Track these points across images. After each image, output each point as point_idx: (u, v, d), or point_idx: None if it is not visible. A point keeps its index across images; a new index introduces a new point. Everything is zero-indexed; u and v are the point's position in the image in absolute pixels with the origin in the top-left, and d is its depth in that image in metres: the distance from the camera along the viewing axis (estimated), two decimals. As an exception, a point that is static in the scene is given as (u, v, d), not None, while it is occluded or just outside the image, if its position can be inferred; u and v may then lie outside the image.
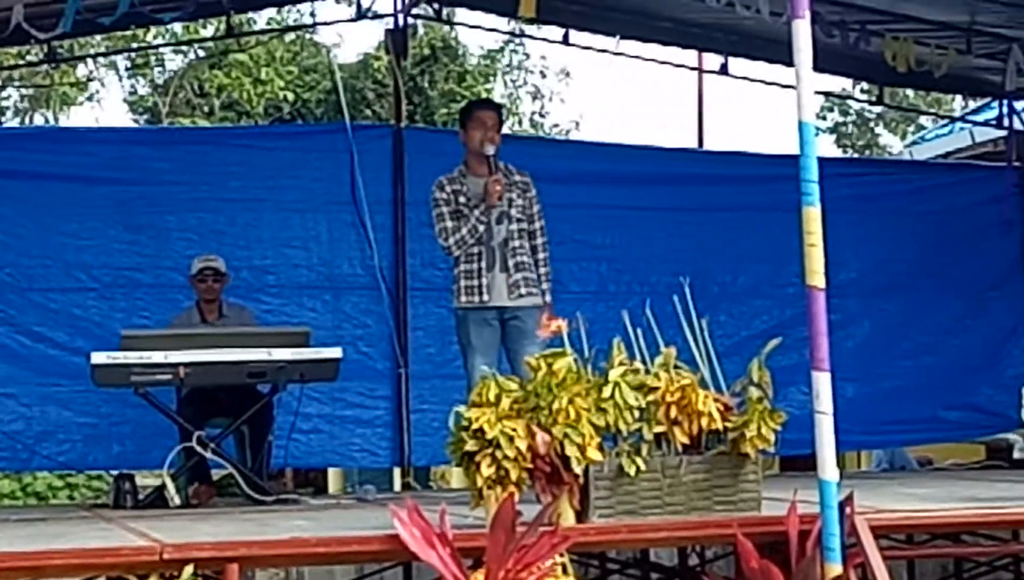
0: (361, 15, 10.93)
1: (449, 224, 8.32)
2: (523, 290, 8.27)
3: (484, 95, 23.16)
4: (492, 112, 8.68)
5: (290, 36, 22.29)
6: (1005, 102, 12.19)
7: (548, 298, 8.37)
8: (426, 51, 22.38)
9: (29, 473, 14.74)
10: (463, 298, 8.33)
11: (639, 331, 6.22)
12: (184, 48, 21.85)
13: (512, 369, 7.68)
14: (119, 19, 9.24)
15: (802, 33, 5.41)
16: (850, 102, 25.78)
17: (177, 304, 9.67)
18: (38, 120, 22.15)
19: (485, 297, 8.27)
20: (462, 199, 8.32)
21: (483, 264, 8.28)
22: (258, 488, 8.35)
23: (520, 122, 24.47)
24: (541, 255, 8.42)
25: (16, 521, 7.99)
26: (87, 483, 15.46)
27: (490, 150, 8.30)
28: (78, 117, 23.35)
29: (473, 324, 8.33)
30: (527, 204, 8.39)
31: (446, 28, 20.74)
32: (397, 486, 12.34)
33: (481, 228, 8.28)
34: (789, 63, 5.70)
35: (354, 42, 36.88)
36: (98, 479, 15.11)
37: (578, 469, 5.78)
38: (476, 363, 8.21)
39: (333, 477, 15.33)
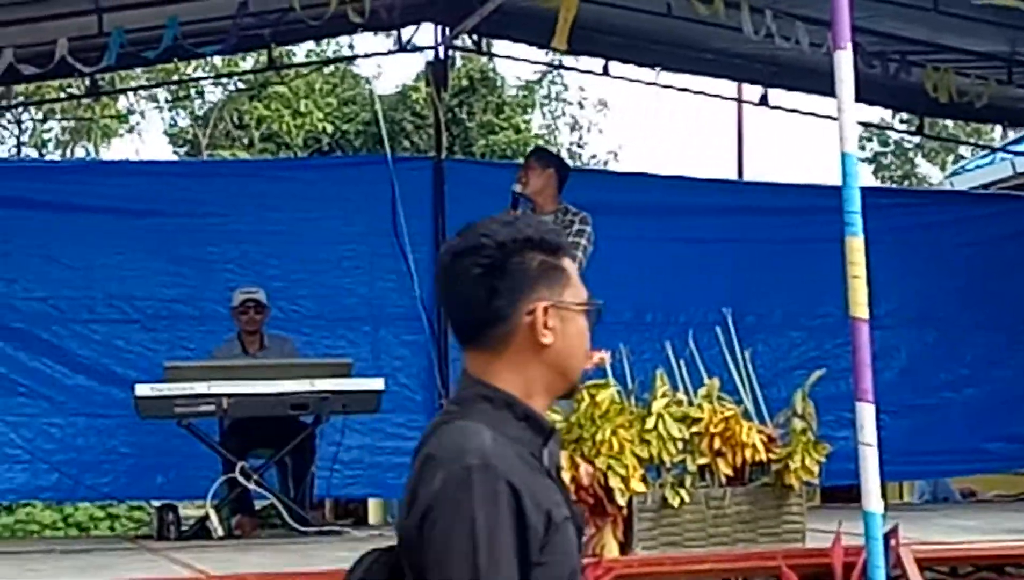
0: (401, 47, 10.99)
1: None
2: None
3: (522, 126, 23.25)
4: (529, 157, 9.22)
5: (329, 68, 22.40)
6: (1046, 132, 12.17)
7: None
8: (464, 82, 22.45)
9: (72, 504, 14.79)
10: None
11: (681, 362, 6.22)
12: (224, 80, 21.97)
13: None
14: (162, 52, 9.33)
15: (844, 64, 5.41)
16: (888, 132, 25.71)
17: (219, 336, 9.71)
18: (79, 152, 22.32)
19: None
20: None
21: None
22: (301, 519, 8.37)
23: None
24: None
25: (61, 552, 8.04)
26: (128, 514, 15.50)
27: (515, 187, 8.64)
28: (119, 149, 23.54)
29: None
30: None
31: (484, 59, 20.80)
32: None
33: None
34: (829, 93, 5.71)
35: (392, 74, 37.02)
36: (139, 510, 15.15)
37: (622, 500, 5.78)
38: None
39: (373, 508, 15.32)
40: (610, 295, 10.60)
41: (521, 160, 10.49)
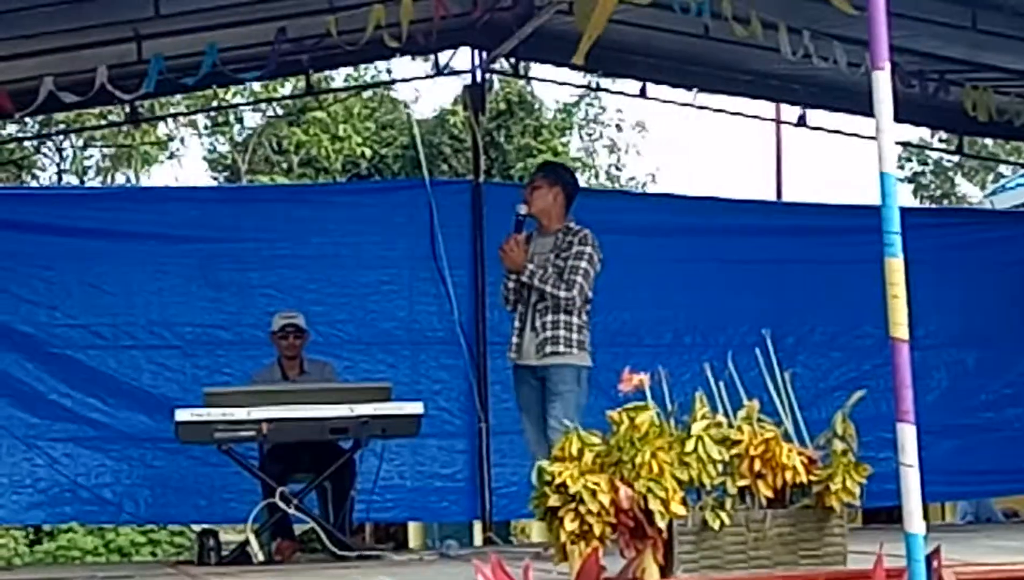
0: (439, 71, 11.03)
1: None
2: (548, 349, 8.12)
3: (560, 149, 23.25)
4: (535, 173, 8.86)
5: (367, 93, 22.47)
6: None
7: (531, 281, 8.15)
8: (502, 106, 22.48)
9: (113, 529, 14.86)
10: (508, 354, 8.43)
11: (721, 384, 6.20)
12: (263, 106, 22.07)
13: None
14: (201, 79, 9.39)
15: (882, 84, 5.39)
16: (928, 151, 25.61)
17: (259, 361, 9.74)
18: (119, 179, 22.45)
19: (513, 354, 8.32)
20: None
21: (520, 325, 8.30)
22: (341, 544, 8.37)
23: (596, 175, 24.50)
24: (559, 292, 8.12)
25: (103, 578, 8.06)
26: (169, 539, 15.54)
27: (519, 209, 8.34)
28: (159, 175, 23.66)
29: (515, 382, 8.44)
30: (562, 262, 8.17)
31: (522, 82, 20.83)
32: (478, 540, 12.34)
33: (510, 285, 8.31)
34: (868, 114, 5.68)
35: (430, 98, 37.14)
36: (180, 535, 15.20)
37: (662, 523, 5.75)
38: (522, 421, 8.40)
39: (413, 532, 15.35)
40: (649, 317, 10.64)
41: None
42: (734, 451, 5.93)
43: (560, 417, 7.25)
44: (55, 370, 10.05)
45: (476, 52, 11.06)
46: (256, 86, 18.49)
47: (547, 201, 8.35)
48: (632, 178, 25.38)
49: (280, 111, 22.78)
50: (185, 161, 33.81)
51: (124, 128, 18.03)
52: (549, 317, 8.15)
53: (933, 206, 25.96)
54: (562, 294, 8.09)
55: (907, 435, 5.27)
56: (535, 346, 8.17)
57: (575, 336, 8.15)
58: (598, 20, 8.69)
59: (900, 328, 5.28)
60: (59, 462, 9.98)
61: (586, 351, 8.21)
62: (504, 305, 8.49)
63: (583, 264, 8.16)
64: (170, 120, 21.18)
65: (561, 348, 8.12)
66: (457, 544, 9.46)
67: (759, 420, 6.04)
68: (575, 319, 8.17)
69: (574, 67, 11.00)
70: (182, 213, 10.50)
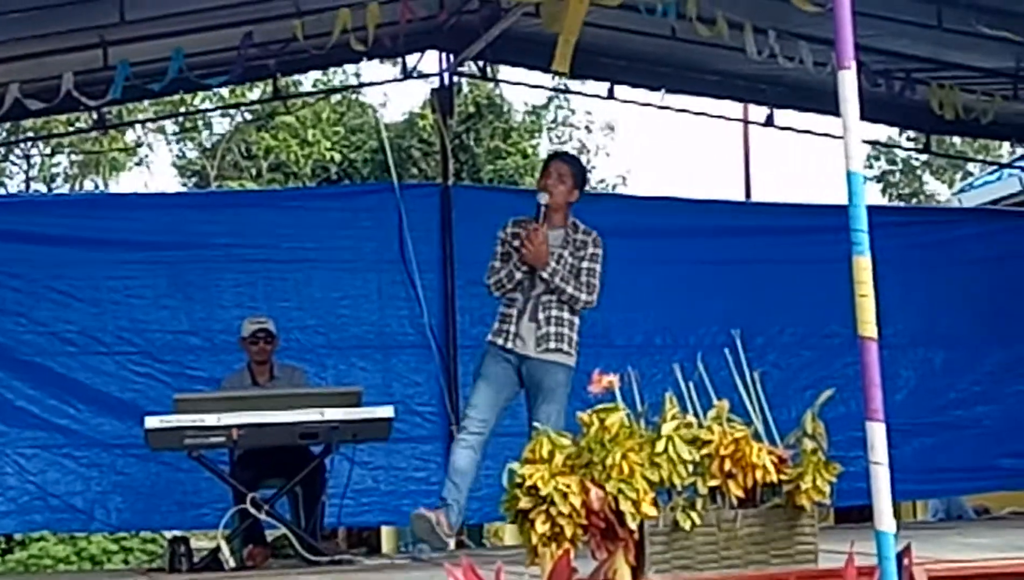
0: (407, 75, 11.01)
1: (496, 264, 8.12)
2: (551, 345, 7.92)
3: (529, 151, 23.25)
4: (559, 162, 8.44)
5: (336, 97, 22.45)
6: (1053, 147, 12.16)
7: (552, 279, 7.96)
8: (471, 109, 22.49)
9: (84, 537, 14.81)
10: (490, 336, 8.08)
11: (691, 384, 6.21)
12: (231, 111, 22.02)
13: (529, 420, 7.67)
14: (168, 85, 9.35)
15: (848, 83, 5.40)
16: (896, 150, 25.69)
17: (229, 366, 9.70)
18: (88, 186, 22.39)
19: (510, 344, 7.99)
20: (517, 243, 8.03)
21: (516, 311, 8.02)
22: (313, 549, 8.35)
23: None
24: (581, 294, 8.00)
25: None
26: (141, 547, 15.50)
27: (541, 199, 8.06)
28: (127, 182, 23.67)
29: (491, 357, 8.07)
30: (576, 262, 8.05)
31: (491, 85, 20.83)
32: (451, 544, 12.31)
33: (518, 275, 7.99)
34: (835, 113, 5.70)
35: (399, 101, 37.12)
36: (152, 542, 15.16)
37: (633, 524, 5.76)
38: (474, 394, 8.10)
39: (386, 536, 15.34)
40: (620, 318, 10.60)
41: (530, 184, 10.31)
42: (704, 451, 5.95)
43: (554, 420, 7.23)
44: (24, 377, 10.01)
45: (443, 55, 11.04)
46: (224, 91, 18.50)
47: (566, 197, 8.17)
48: (602, 180, 25.40)
49: (248, 116, 22.76)
50: (154, 167, 33.73)
51: (92, 135, 17.95)
52: (554, 312, 7.97)
53: (901, 205, 26.04)
54: (583, 297, 7.99)
55: (876, 433, 5.28)
56: (536, 338, 7.94)
57: (575, 337, 8.04)
58: (572, 24, 8.68)
59: (868, 327, 5.29)
60: (29, 470, 9.94)
61: (575, 353, 8.11)
62: (496, 289, 8.08)
63: (599, 267, 8.11)
64: (138, 126, 21.15)
65: (565, 347, 7.97)
66: (429, 548, 9.44)
67: (729, 420, 6.06)
68: (576, 319, 8.07)
69: (543, 69, 11.01)
70: (151, 219, 10.48)
